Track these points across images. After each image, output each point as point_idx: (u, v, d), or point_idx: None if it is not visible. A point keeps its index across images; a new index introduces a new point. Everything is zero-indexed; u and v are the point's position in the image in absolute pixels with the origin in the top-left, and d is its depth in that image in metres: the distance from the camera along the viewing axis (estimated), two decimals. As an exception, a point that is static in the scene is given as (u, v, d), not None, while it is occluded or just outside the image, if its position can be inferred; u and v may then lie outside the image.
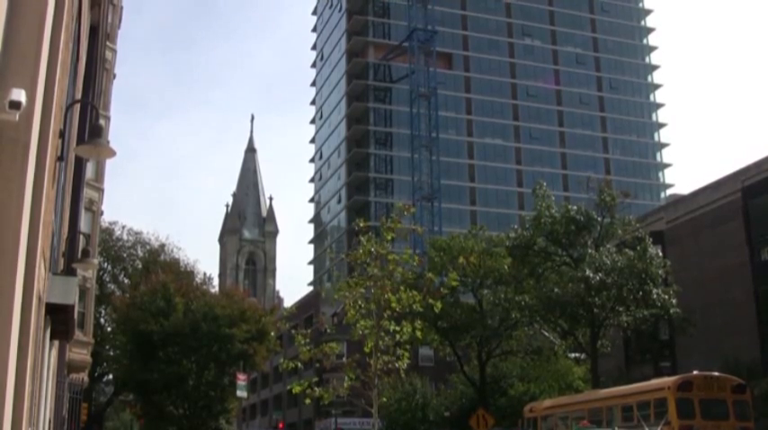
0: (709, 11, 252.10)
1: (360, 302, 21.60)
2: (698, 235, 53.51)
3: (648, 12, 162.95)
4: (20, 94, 7.93)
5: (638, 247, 44.75)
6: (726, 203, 51.54)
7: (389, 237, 21.75)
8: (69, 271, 23.75)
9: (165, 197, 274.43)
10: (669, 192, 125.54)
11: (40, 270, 11.78)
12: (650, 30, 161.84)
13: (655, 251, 45.66)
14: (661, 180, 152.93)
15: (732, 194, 51.10)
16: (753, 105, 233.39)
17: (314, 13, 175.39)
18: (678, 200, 63.14)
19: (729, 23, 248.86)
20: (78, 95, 20.43)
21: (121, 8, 50.62)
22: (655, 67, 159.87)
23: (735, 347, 46.62)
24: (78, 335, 38.09)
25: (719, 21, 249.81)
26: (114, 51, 47.30)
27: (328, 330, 31.04)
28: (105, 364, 73.20)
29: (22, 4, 8.46)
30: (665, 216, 58.84)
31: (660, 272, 44.69)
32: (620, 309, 44.73)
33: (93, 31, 23.88)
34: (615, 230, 47.72)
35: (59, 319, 20.57)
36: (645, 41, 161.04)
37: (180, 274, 69.66)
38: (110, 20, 36.71)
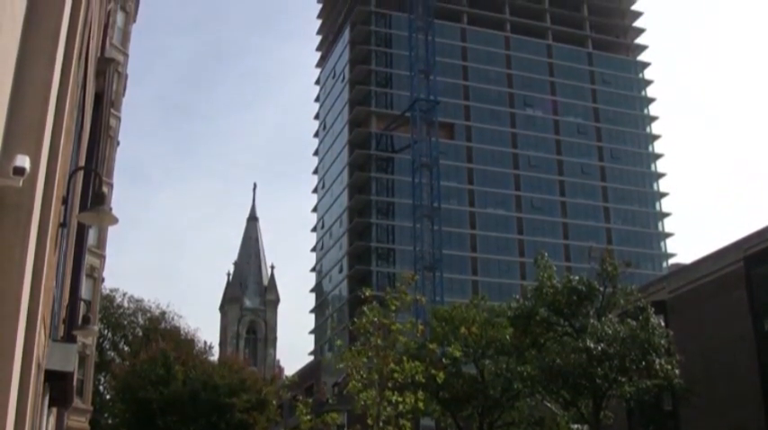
0: (708, 80, 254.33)
1: (362, 373, 21.51)
2: (701, 304, 53.29)
3: (649, 82, 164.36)
4: (24, 161, 7.96)
5: (641, 317, 44.51)
6: (728, 273, 51.39)
7: (393, 307, 21.72)
8: (69, 338, 23.67)
9: (166, 265, 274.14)
10: (671, 261, 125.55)
11: (40, 336, 11.73)
12: (651, 100, 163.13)
13: (657, 321, 45.38)
14: (663, 249, 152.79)
15: (734, 263, 50.98)
16: (754, 174, 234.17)
17: (317, 82, 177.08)
18: (680, 269, 62.99)
19: (729, 92, 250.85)
20: (82, 162, 20.53)
21: (126, 76, 51.10)
22: (656, 137, 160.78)
23: (739, 418, 46.18)
24: (77, 402, 37.83)
25: (719, 90, 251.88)
26: (118, 119, 47.67)
27: (329, 400, 30.85)
28: (104, 433, 72.56)
29: (29, 72, 8.54)
30: (668, 286, 58.65)
31: (663, 342, 44.39)
32: (623, 379, 44.37)
33: (98, 98, 24.06)
34: (617, 300, 47.49)
35: (58, 386, 20.44)
36: (645, 111, 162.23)
37: (180, 343, 69.44)
38: (114, 88, 37.02)
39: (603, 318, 45.60)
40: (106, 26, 30.72)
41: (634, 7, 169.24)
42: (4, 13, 7.07)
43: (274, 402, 62.65)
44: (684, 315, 53.90)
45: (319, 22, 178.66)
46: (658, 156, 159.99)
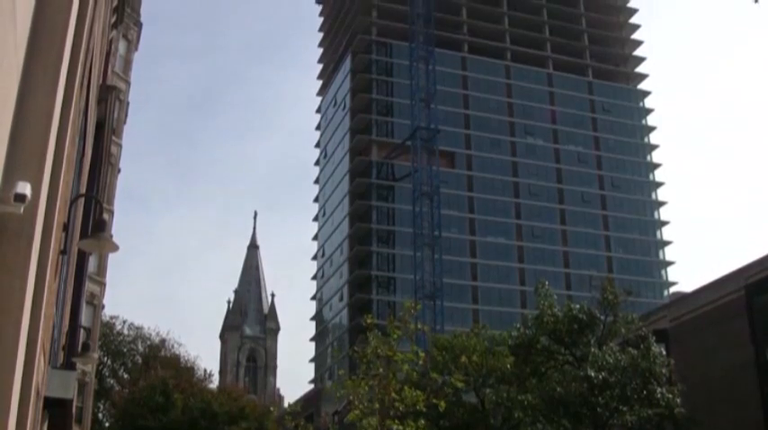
0: (709, 108, 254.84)
1: (363, 401, 21.46)
2: (702, 333, 53.13)
3: (649, 111, 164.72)
4: (25, 188, 7.96)
5: (642, 346, 44.40)
6: (729, 301, 51.25)
7: (395, 336, 21.71)
8: (69, 365, 23.62)
9: (166, 292, 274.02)
10: (672, 290, 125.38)
11: (40, 363, 11.70)
12: (651, 128, 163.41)
13: (658, 349, 45.26)
14: (664, 278, 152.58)
15: (736, 292, 50.84)
16: (755, 202, 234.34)
17: (318, 111, 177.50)
18: (681, 298, 62.84)
19: (730, 120, 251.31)
20: (83, 189, 20.55)
21: (128, 103, 51.27)
22: (656, 166, 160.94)
23: (741, 448, 45.94)
24: (76, 431, 37.66)
25: (720, 118, 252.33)
26: (120, 146, 47.79)
27: (330, 429, 30.75)
28: (102, 462, 72.25)
29: (31, 99, 8.57)
30: (669, 314, 58.50)
31: (664, 370, 44.27)
32: (624, 408, 44.19)
33: (100, 126, 24.11)
34: (618, 329, 47.36)
35: (57, 414, 20.39)
36: (646, 140, 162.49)
37: (180, 370, 69.37)
38: (116, 115, 37.11)
39: (604, 347, 45.51)
40: (108, 54, 30.86)
41: (634, 36, 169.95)
42: (7, 40, 7.11)
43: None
44: (686, 343, 53.76)
45: (320, 50, 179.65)
46: (659, 184, 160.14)
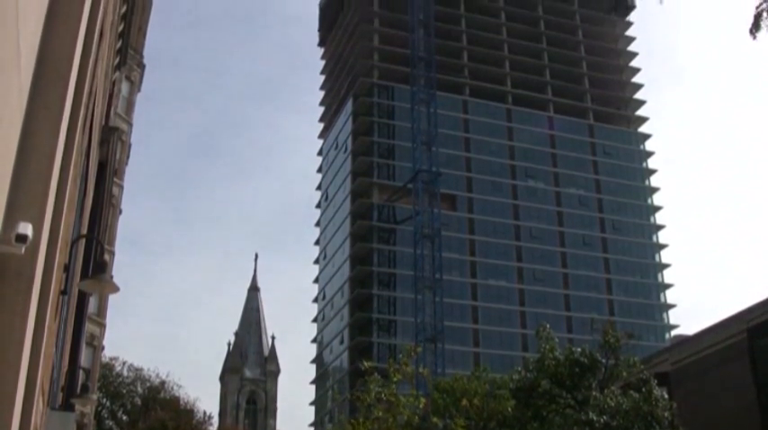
0: (709, 151, 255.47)
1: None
2: (704, 376, 52.95)
3: (650, 154, 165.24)
4: (27, 228, 7.96)
5: (644, 389, 44.25)
6: (731, 344, 51.13)
7: (395, 379, 21.63)
8: (68, 406, 23.52)
9: (166, 334, 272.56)
10: (674, 332, 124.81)
11: (39, 404, 11.65)
12: (652, 171, 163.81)
13: (660, 393, 45.10)
14: (665, 321, 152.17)
15: (738, 335, 50.74)
16: (756, 245, 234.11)
17: (319, 153, 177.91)
18: (683, 341, 62.68)
19: (730, 163, 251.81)
20: (84, 230, 20.55)
21: (130, 145, 51.47)
22: (657, 208, 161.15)
23: (744, 493, 45.62)
24: (74, 474, 37.37)
25: (721, 161, 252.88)
26: (121, 187, 47.89)
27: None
28: (100, 505, 71.70)
29: (33, 140, 8.60)
30: (671, 357, 58.32)
31: (666, 414, 44.06)
32: (627, 452, 43.95)
33: (102, 167, 24.18)
34: (620, 372, 47.22)
35: (56, 456, 20.23)
36: (647, 183, 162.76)
37: (179, 412, 69.09)
38: (118, 156, 37.23)
39: (606, 391, 45.33)
40: (111, 95, 31.03)
41: (634, 79, 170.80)
42: (11, 82, 7.15)
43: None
44: (688, 387, 53.55)
45: (322, 93, 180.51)
46: (660, 227, 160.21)
